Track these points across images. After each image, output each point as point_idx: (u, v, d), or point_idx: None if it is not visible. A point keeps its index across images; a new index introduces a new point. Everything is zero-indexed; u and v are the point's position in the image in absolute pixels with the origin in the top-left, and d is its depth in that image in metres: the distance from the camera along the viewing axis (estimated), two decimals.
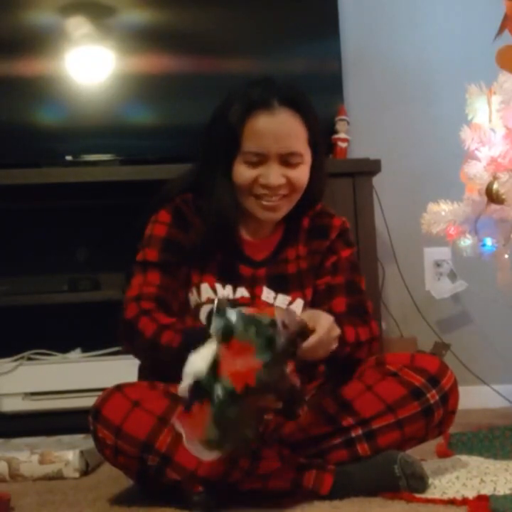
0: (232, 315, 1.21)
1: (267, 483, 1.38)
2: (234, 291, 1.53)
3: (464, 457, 1.69)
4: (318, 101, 1.59)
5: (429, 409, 1.44)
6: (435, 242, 2.36)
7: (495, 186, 1.94)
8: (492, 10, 2.07)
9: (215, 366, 1.19)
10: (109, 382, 1.46)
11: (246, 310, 1.25)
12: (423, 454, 1.62)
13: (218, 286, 1.53)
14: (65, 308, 2.44)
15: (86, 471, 1.80)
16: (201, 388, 1.19)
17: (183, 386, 1.22)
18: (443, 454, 1.76)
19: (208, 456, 1.24)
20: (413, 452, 1.49)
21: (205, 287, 1.53)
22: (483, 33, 2.13)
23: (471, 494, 1.34)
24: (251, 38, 2.62)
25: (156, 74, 2.55)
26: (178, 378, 1.26)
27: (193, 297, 1.53)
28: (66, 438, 2.02)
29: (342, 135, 2.55)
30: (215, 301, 1.24)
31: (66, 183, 2.34)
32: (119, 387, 1.42)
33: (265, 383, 1.19)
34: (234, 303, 1.45)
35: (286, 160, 1.49)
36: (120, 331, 1.47)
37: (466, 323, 2.74)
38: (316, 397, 1.52)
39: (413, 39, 2.78)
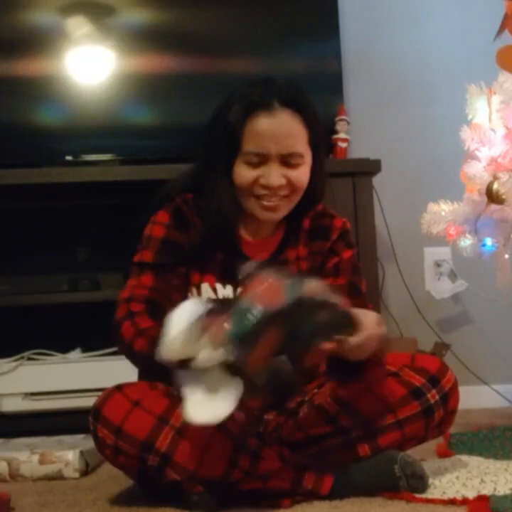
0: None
1: (267, 483, 1.38)
2: (234, 291, 1.53)
3: (464, 457, 1.70)
4: (318, 101, 1.58)
5: (430, 409, 1.44)
6: (435, 242, 2.36)
7: (495, 186, 1.94)
8: (492, 10, 2.07)
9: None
10: (109, 382, 1.46)
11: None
12: (423, 454, 1.62)
13: (218, 286, 1.53)
14: (65, 308, 2.44)
15: (86, 471, 1.80)
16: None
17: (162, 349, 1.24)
18: (443, 454, 1.76)
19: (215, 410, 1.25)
20: (413, 452, 1.49)
21: (205, 287, 1.53)
22: (483, 33, 2.13)
23: (471, 494, 1.35)
24: (251, 38, 2.61)
25: (156, 74, 2.55)
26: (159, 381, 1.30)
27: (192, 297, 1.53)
28: (66, 438, 2.02)
29: (342, 135, 2.55)
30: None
31: (66, 183, 2.34)
32: (119, 387, 1.42)
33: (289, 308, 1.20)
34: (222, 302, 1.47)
35: (287, 160, 1.48)
36: (111, 332, 1.47)
37: (466, 323, 2.74)
38: (317, 397, 1.52)
39: (413, 39, 2.78)
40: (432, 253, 2.71)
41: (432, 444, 1.68)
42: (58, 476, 1.76)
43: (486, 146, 1.98)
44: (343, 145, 2.55)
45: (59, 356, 2.36)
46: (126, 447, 1.37)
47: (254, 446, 1.40)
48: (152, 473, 1.38)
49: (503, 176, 1.92)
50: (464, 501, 1.31)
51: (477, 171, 1.97)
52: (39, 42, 2.51)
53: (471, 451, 1.78)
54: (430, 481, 1.43)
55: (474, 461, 1.65)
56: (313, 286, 1.24)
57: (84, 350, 2.38)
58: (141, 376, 1.59)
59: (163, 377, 1.36)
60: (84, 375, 2.30)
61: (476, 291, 2.65)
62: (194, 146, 1.59)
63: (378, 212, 2.52)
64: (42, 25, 2.52)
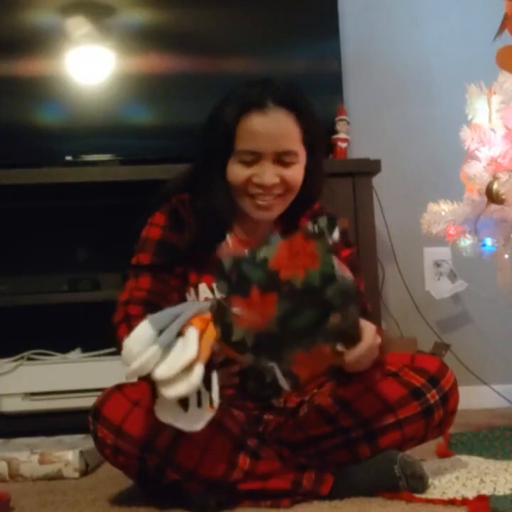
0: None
1: (267, 483, 1.38)
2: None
3: (463, 457, 1.69)
4: (318, 101, 1.59)
5: (429, 410, 1.44)
6: (435, 242, 2.35)
7: (495, 186, 1.94)
8: (492, 10, 2.07)
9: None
10: (109, 382, 1.46)
11: None
12: (423, 454, 1.62)
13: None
14: (65, 308, 2.44)
15: (86, 471, 1.80)
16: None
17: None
18: (443, 454, 1.76)
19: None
20: (413, 452, 1.49)
21: (203, 287, 1.52)
22: (483, 33, 2.12)
23: (471, 494, 1.35)
24: (251, 38, 2.61)
25: (156, 74, 2.55)
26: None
27: (190, 297, 1.52)
28: (66, 438, 2.02)
29: (342, 135, 2.55)
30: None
31: (66, 183, 2.34)
32: (119, 387, 1.42)
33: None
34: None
35: (281, 159, 1.48)
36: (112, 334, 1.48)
37: (466, 323, 2.74)
38: (317, 397, 1.52)
39: (413, 39, 2.78)
40: (432, 253, 2.71)
41: (431, 444, 1.67)
42: (58, 476, 1.76)
43: (486, 146, 1.98)
44: (343, 145, 2.55)
45: (59, 356, 2.36)
46: (126, 447, 1.37)
47: (254, 446, 1.40)
48: (152, 473, 1.38)
49: (503, 176, 1.92)
50: (464, 501, 1.31)
51: (477, 171, 1.97)
52: (39, 42, 2.51)
53: (470, 451, 1.78)
54: (430, 481, 1.43)
55: (474, 461, 1.65)
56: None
57: (84, 350, 2.38)
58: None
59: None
60: (84, 375, 2.29)
61: (476, 291, 2.65)
62: (194, 146, 1.59)
63: (378, 212, 2.52)
64: (42, 25, 2.52)
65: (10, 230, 2.57)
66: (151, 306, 1.44)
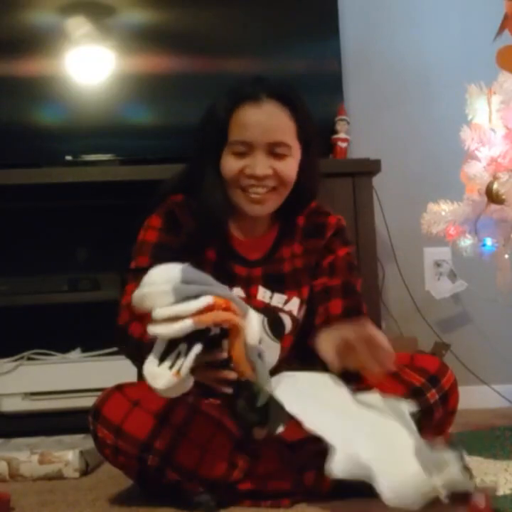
0: None
1: (267, 483, 1.38)
2: (230, 291, 1.53)
3: None
4: (318, 101, 1.59)
5: (429, 409, 1.44)
6: (435, 242, 2.36)
7: (495, 186, 1.94)
8: (492, 10, 2.07)
9: None
10: (109, 382, 1.46)
11: None
12: None
13: None
14: (65, 308, 2.44)
15: (86, 471, 1.80)
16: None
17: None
18: None
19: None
20: None
21: None
22: (483, 33, 2.12)
23: None
24: (251, 38, 2.61)
25: (156, 74, 2.54)
26: None
27: None
28: (66, 438, 2.02)
29: (342, 135, 2.55)
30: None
31: (66, 183, 2.34)
32: (119, 387, 1.42)
33: None
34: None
35: (273, 151, 1.48)
36: (115, 337, 1.48)
37: (466, 323, 2.74)
38: None
39: (413, 39, 2.78)
40: (432, 253, 2.71)
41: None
42: (58, 476, 1.76)
43: (486, 146, 1.98)
44: (343, 145, 2.55)
45: (59, 356, 2.36)
46: (126, 447, 1.37)
47: (254, 446, 1.40)
48: (152, 473, 1.38)
49: (503, 176, 1.92)
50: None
51: (477, 171, 1.97)
52: (39, 42, 2.51)
53: (471, 451, 1.77)
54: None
55: (474, 461, 1.65)
56: None
57: (84, 350, 2.38)
58: (141, 376, 1.59)
59: None
60: (84, 375, 2.30)
61: (476, 291, 2.65)
62: (191, 144, 1.60)
63: (378, 212, 2.52)
64: (42, 25, 2.52)
65: (10, 230, 2.57)
66: None
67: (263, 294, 1.55)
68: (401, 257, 2.68)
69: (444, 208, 2.05)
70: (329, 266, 1.57)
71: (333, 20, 2.60)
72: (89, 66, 2.53)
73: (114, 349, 2.33)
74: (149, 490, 1.46)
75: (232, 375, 1.24)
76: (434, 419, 1.46)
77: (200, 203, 1.52)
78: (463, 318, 2.74)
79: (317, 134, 1.58)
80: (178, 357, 1.19)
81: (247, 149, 1.48)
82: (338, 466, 1.16)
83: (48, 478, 1.76)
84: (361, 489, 1.39)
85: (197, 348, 1.18)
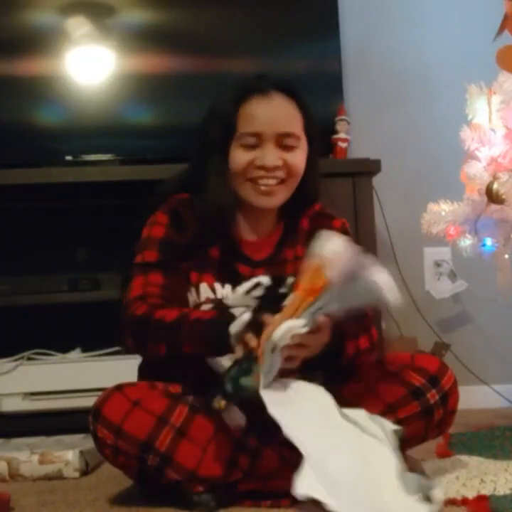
0: None
1: (267, 483, 1.38)
2: (233, 290, 1.53)
3: (463, 457, 1.69)
4: (318, 101, 1.60)
5: (429, 409, 1.44)
6: (435, 242, 2.35)
7: (495, 186, 1.93)
8: (492, 10, 2.07)
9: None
10: (109, 382, 1.45)
11: None
12: (423, 454, 1.62)
13: (217, 285, 1.53)
14: (65, 308, 2.44)
15: (86, 471, 1.80)
16: None
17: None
18: (443, 454, 1.76)
19: None
20: (413, 452, 1.49)
21: (203, 287, 1.52)
22: (483, 33, 2.12)
23: (471, 494, 1.35)
24: (251, 38, 2.61)
25: (156, 74, 2.54)
26: (199, 355, 1.35)
27: (191, 297, 1.52)
28: (66, 438, 2.02)
29: (342, 135, 2.55)
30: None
31: (66, 183, 2.34)
32: (119, 387, 1.42)
33: None
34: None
35: (283, 142, 1.49)
36: (127, 331, 1.44)
37: (466, 323, 2.74)
38: None
39: (413, 39, 2.78)
40: (432, 253, 2.71)
41: (431, 444, 1.67)
42: (58, 476, 1.76)
43: (486, 146, 1.98)
44: (343, 145, 2.55)
45: (59, 356, 2.36)
46: (126, 447, 1.37)
47: (254, 446, 1.40)
48: (152, 473, 1.38)
49: (503, 176, 1.92)
50: (464, 501, 1.31)
51: (477, 171, 1.97)
52: (39, 42, 2.51)
53: (471, 451, 1.77)
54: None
55: (474, 461, 1.65)
56: None
57: (84, 350, 2.38)
58: (141, 376, 1.59)
59: (216, 349, 1.36)
60: (84, 375, 2.29)
61: (476, 291, 2.65)
62: (193, 143, 1.59)
63: (378, 212, 2.52)
64: (42, 25, 2.52)
65: (10, 230, 2.57)
66: (169, 301, 1.44)
67: None
68: (401, 256, 2.67)
69: (444, 208, 2.04)
70: None
71: (333, 20, 2.60)
72: (89, 66, 2.53)
73: (114, 349, 2.33)
74: (149, 490, 1.46)
75: (253, 342, 1.26)
76: (434, 420, 1.45)
77: (205, 201, 1.52)
78: (463, 318, 2.74)
79: (318, 133, 1.59)
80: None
81: (256, 141, 1.48)
82: (302, 485, 1.17)
83: (48, 478, 1.76)
84: None
85: (275, 359, 1.26)
